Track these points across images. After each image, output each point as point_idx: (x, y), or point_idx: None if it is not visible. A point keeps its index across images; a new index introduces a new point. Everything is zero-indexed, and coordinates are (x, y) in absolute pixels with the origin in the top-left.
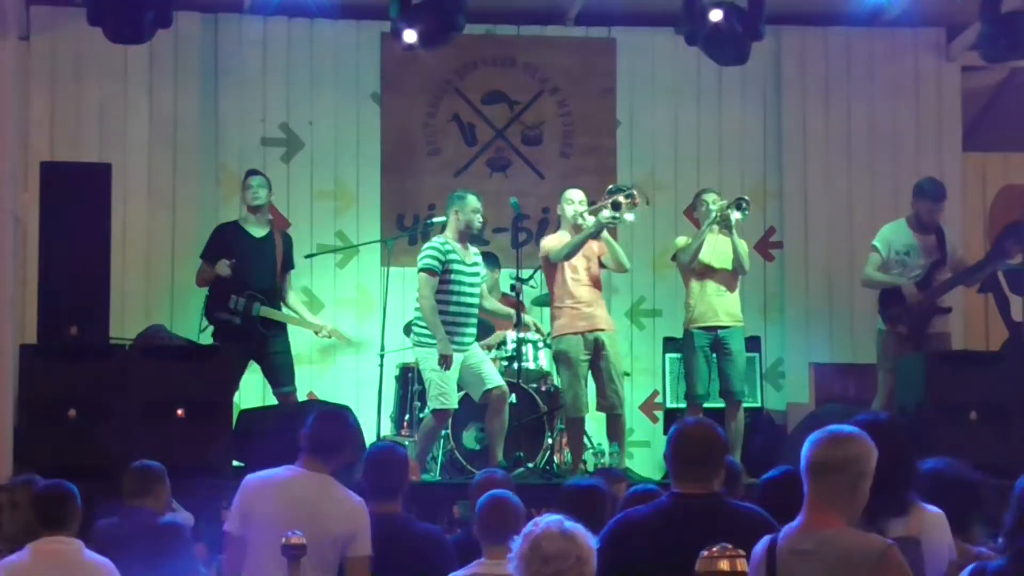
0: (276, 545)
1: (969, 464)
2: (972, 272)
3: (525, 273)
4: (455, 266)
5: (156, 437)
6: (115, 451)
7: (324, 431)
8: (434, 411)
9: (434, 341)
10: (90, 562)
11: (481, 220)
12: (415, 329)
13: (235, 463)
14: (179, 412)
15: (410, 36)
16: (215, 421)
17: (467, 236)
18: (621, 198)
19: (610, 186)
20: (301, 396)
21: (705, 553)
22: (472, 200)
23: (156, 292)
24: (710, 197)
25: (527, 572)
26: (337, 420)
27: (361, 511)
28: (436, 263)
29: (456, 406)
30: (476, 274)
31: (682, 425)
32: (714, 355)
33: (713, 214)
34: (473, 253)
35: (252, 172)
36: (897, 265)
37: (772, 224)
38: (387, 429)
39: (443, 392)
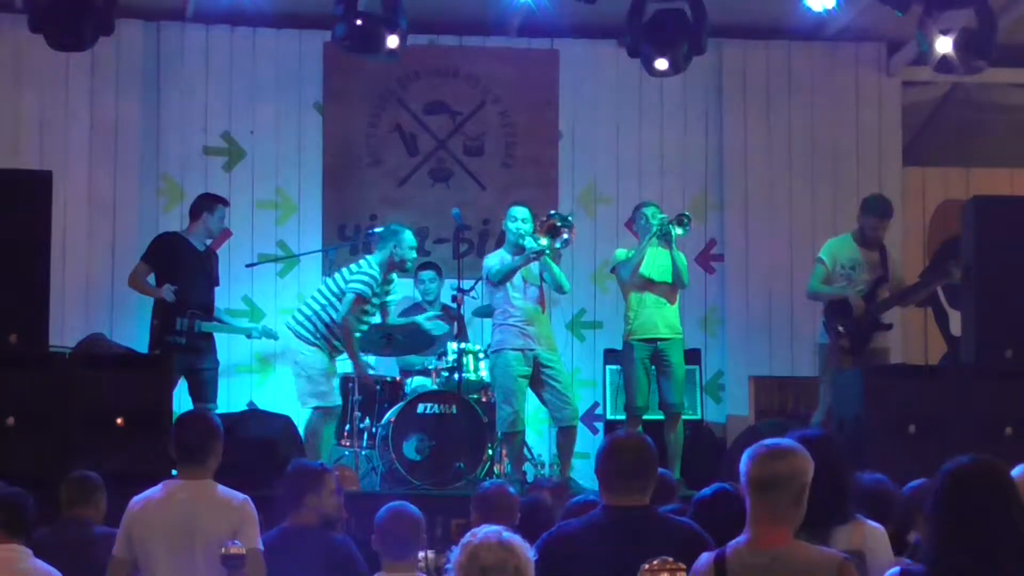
0: (162, 563)
1: (907, 478)
2: (912, 292)
3: (466, 284)
4: (375, 300)
5: (95, 446)
6: (54, 460)
7: (187, 436)
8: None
9: (317, 342)
10: (33, 569)
11: (415, 256)
12: (300, 323)
13: (174, 472)
14: (119, 421)
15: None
16: (155, 430)
17: (396, 269)
18: (558, 223)
19: (551, 211)
20: (241, 405)
21: (646, 566)
22: (409, 237)
23: (96, 300)
24: (650, 210)
25: None
26: (197, 422)
27: (241, 507)
28: (369, 291)
29: (339, 402)
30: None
31: (614, 438)
32: (653, 367)
33: (654, 228)
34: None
35: (225, 202)
36: (842, 279)
37: (713, 236)
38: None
39: (325, 391)
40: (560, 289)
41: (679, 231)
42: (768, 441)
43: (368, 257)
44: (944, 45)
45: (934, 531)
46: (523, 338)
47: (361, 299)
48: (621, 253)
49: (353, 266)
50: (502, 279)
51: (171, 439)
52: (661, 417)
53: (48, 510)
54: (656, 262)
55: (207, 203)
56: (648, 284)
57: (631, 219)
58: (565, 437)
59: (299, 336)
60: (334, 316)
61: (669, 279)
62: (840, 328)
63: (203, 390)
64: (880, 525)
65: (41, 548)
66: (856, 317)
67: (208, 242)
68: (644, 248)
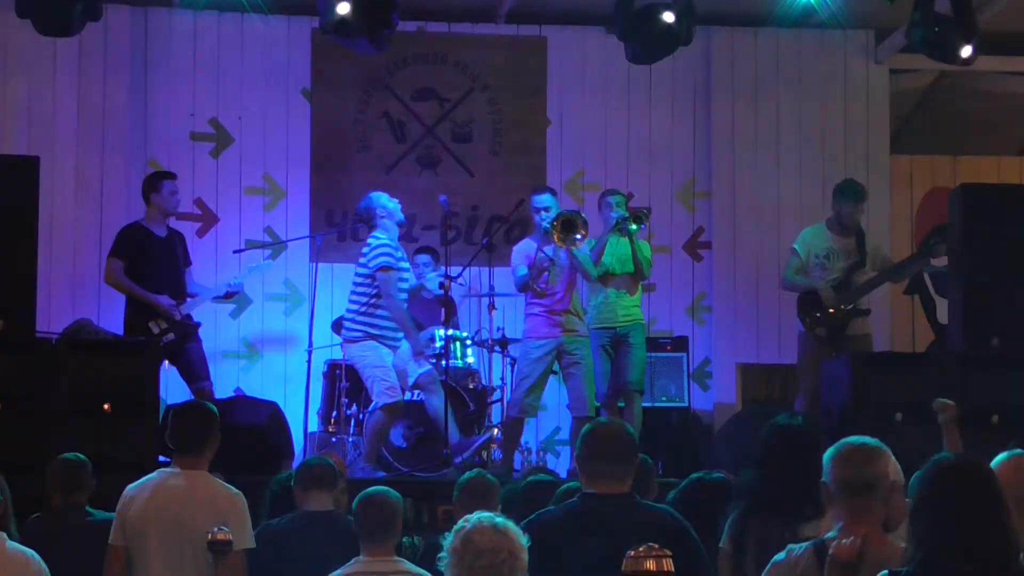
0: (153, 551)
1: None
2: (898, 270)
3: (454, 271)
4: (404, 265)
5: (82, 432)
6: (40, 446)
7: (184, 427)
8: (384, 406)
9: (374, 332)
10: (14, 554)
11: (397, 205)
12: (348, 325)
13: (161, 458)
14: (105, 407)
15: (343, 8)
16: (142, 416)
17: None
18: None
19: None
20: (228, 392)
21: (632, 552)
22: (380, 196)
23: (83, 286)
24: (616, 199)
25: (459, 567)
26: (194, 412)
27: (233, 503)
28: (391, 259)
29: (404, 398)
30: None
31: (594, 425)
32: (615, 352)
33: (613, 221)
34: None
35: (169, 176)
36: (817, 268)
37: (701, 224)
38: (314, 425)
39: (391, 386)
40: (588, 276)
41: (634, 227)
42: (855, 441)
43: (374, 233)
44: (967, 51)
45: (920, 534)
46: (549, 326)
47: (388, 269)
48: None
49: (365, 249)
50: (524, 286)
51: (167, 429)
52: (656, 404)
53: (33, 495)
54: (617, 252)
55: (151, 183)
56: (608, 275)
57: (598, 206)
58: (577, 426)
59: (351, 340)
60: (361, 306)
61: (631, 269)
62: (817, 316)
63: (193, 369)
64: None
65: (34, 536)
66: (827, 306)
67: (167, 224)
68: (604, 240)
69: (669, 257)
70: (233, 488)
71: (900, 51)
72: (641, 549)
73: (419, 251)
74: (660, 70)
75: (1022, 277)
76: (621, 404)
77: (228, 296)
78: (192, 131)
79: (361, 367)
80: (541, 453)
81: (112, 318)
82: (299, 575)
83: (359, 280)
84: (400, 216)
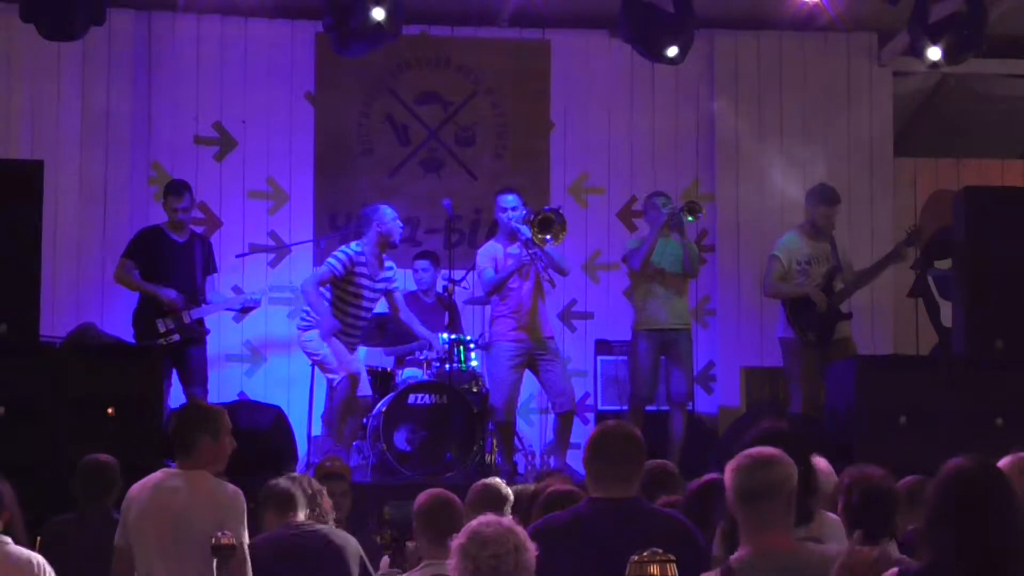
0: (152, 551)
1: (898, 468)
2: (871, 272)
3: (458, 274)
4: (362, 281)
5: (86, 435)
6: (44, 449)
7: (182, 428)
8: (335, 385)
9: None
10: (17, 556)
11: (400, 227)
12: (301, 316)
13: (168, 463)
14: (109, 410)
15: (379, 13)
16: (146, 419)
17: (385, 247)
18: (554, 218)
19: (547, 207)
20: (231, 396)
21: (635, 557)
22: (388, 211)
23: (87, 290)
24: (661, 200)
25: (464, 561)
26: (190, 413)
27: (230, 501)
28: (340, 267)
29: (353, 370)
30: (382, 288)
31: (601, 429)
32: (662, 357)
33: (664, 216)
34: (387, 264)
35: (176, 192)
36: (800, 275)
37: (704, 227)
38: (317, 429)
39: (331, 366)
40: (561, 271)
41: (690, 219)
42: (751, 451)
43: (352, 242)
44: (935, 53)
45: (938, 536)
46: (517, 329)
47: (330, 273)
48: (633, 243)
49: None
50: (494, 291)
51: (167, 431)
52: (661, 408)
53: (37, 498)
54: (667, 252)
55: (164, 195)
56: (659, 274)
57: (643, 209)
58: (558, 424)
59: (300, 328)
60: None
61: (680, 269)
62: (807, 323)
63: (192, 375)
64: (837, 516)
65: (58, 536)
66: (819, 311)
67: (191, 230)
68: (655, 237)
69: None
70: (231, 485)
71: (903, 53)
72: (645, 554)
73: (418, 256)
74: (663, 72)
75: None
76: (642, 407)
77: (244, 311)
78: (196, 135)
79: (307, 352)
80: (545, 456)
81: (116, 322)
82: None
83: None
84: (395, 239)
